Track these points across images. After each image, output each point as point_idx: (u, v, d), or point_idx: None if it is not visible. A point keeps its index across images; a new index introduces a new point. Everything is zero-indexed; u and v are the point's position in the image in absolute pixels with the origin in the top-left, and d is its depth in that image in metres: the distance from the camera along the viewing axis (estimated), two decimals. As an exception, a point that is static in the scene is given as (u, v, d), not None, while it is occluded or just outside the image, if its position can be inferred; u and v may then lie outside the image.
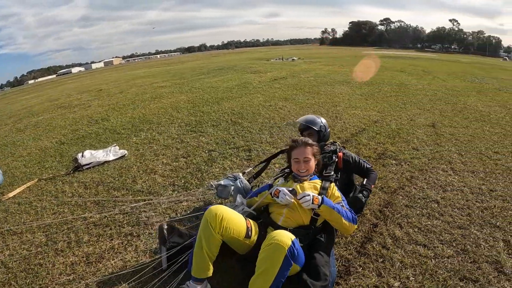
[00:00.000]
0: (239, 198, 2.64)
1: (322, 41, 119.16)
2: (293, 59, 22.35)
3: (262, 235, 2.14)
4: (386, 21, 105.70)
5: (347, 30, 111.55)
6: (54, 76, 65.29)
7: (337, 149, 3.01)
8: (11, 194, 3.98)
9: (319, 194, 2.31)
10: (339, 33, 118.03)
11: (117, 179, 4.13)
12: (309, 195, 2.15)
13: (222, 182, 3.11)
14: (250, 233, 2.10)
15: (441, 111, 6.69)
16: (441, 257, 2.35)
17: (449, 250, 2.42)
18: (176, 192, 3.63)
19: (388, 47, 71.60)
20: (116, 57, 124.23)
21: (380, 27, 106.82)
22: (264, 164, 3.55)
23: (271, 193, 2.38)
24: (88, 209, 3.40)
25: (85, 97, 11.90)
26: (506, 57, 60.99)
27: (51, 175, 4.49)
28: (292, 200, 2.25)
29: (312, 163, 2.49)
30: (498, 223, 2.75)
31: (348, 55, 28.89)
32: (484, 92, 9.10)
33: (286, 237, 1.82)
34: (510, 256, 2.35)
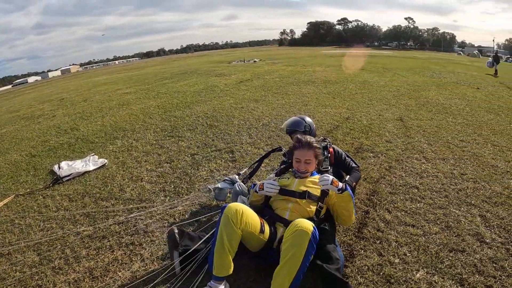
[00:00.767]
0: (240, 199, 2.73)
1: (281, 42, 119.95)
2: (254, 61, 22.62)
3: (271, 231, 2.26)
4: (344, 21, 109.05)
5: (305, 31, 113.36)
6: (10, 86, 61.27)
7: (327, 145, 3.18)
8: (-13, 214, 3.69)
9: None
10: (298, 34, 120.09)
11: (103, 189, 4.01)
12: (328, 176, 2.31)
13: (219, 185, 3.19)
14: (263, 228, 2.20)
15: (406, 105, 7.14)
16: (429, 234, 2.62)
17: (435, 228, 2.69)
18: (168, 197, 3.61)
19: (346, 46, 73.79)
20: (73, 64, 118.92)
21: (338, 26, 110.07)
22: (256, 164, 3.67)
23: (256, 191, 2.50)
24: (79, 222, 3.25)
25: (48, 107, 11.36)
26: (461, 52, 65.15)
27: (28, 190, 4.26)
28: (278, 188, 2.42)
29: (313, 164, 2.61)
30: (472, 202, 3.09)
31: (307, 54, 29.68)
32: (443, 86, 9.81)
33: (308, 223, 1.96)
34: (488, 228, 2.68)
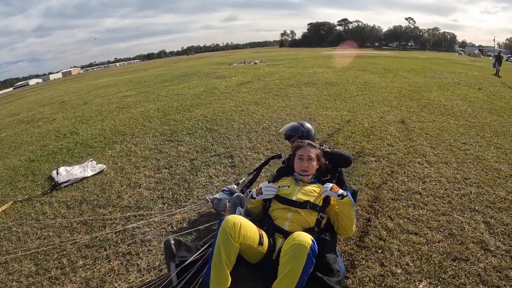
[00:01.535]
0: (238, 211, 2.68)
1: (281, 43, 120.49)
2: (255, 63, 22.54)
3: (270, 243, 2.20)
4: (344, 21, 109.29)
5: (306, 32, 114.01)
6: (11, 89, 61.21)
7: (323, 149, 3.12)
8: (-15, 221, 3.65)
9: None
10: (298, 35, 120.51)
11: (100, 195, 3.95)
12: (328, 184, 2.34)
13: (217, 196, 3.14)
14: (262, 240, 2.15)
15: (408, 107, 7.08)
16: (432, 242, 2.56)
17: (438, 236, 2.64)
18: (166, 205, 3.55)
19: (347, 46, 73.80)
20: (74, 66, 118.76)
21: (338, 27, 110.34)
22: (255, 172, 3.61)
23: (252, 197, 2.48)
24: (76, 231, 3.18)
25: (48, 110, 11.31)
26: (461, 52, 65.06)
27: (26, 196, 4.19)
28: (276, 188, 2.43)
29: (314, 163, 2.59)
30: (476, 207, 3.03)
31: (308, 56, 29.63)
32: (445, 87, 9.75)
33: (306, 237, 1.91)
34: (492, 235, 2.62)
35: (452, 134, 5.14)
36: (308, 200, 2.36)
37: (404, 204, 3.16)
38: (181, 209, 3.42)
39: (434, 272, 2.25)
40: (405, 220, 2.88)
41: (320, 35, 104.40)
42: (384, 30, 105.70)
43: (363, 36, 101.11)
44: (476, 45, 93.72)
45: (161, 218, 3.26)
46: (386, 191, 3.43)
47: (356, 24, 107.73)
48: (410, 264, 2.34)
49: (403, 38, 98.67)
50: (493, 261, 2.33)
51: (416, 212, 3.00)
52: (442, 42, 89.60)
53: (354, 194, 2.88)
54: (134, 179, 4.29)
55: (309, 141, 2.69)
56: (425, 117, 6.20)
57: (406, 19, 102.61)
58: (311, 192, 2.45)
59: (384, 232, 2.72)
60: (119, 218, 3.36)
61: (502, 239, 2.56)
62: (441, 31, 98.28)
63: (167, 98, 9.91)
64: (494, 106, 7.12)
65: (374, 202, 3.22)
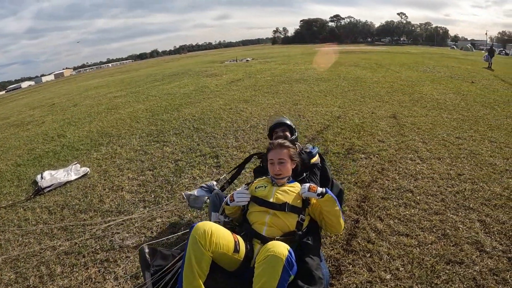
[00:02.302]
0: (214, 217, 2.52)
1: (274, 41, 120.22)
2: (247, 60, 22.44)
3: (248, 249, 2.04)
4: (336, 17, 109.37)
5: (298, 29, 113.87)
6: (3, 92, 60.64)
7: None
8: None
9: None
10: (291, 32, 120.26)
11: (82, 200, 3.84)
12: (305, 184, 2.20)
13: (195, 193, 2.96)
14: (238, 247, 1.98)
15: (400, 102, 6.95)
16: (424, 244, 2.41)
17: (431, 237, 2.49)
18: (147, 208, 3.42)
19: (339, 43, 73.79)
20: (66, 68, 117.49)
21: (330, 23, 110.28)
22: (237, 170, 3.44)
23: (226, 203, 2.33)
24: (56, 237, 3.11)
25: (38, 112, 11.14)
26: (454, 46, 65.29)
27: (10, 202, 4.09)
28: (249, 196, 2.27)
29: (288, 165, 2.36)
30: (471, 205, 2.88)
31: (301, 52, 29.40)
32: (437, 81, 9.65)
33: (282, 247, 1.74)
34: (488, 235, 2.48)
35: (445, 129, 5.01)
36: (286, 202, 2.18)
37: (394, 203, 3.01)
38: (160, 211, 3.31)
39: (426, 277, 2.10)
40: (396, 221, 2.73)
41: (313, 32, 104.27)
42: (376, 26, 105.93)
43: (356, 32, 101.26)
44: (469, 39, 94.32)
45: (141, 222, 3.16)
46: (376, 190, 3.28)
47: (348, 20, 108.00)
48: (401, 268, 2.19)
49: (396, 33, 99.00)
50: (489, 263, 2.18)
51: (407, 212, 2.85)
52: (435, 36, 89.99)
53: (340, 193, 2.69)
54: (117, 182, 4.19)
55: (279, 141, 2.44)
56: (417, 112, 6.07)
57: (398, 14, 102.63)
58: (289, 192, 2.27)
59: (373, 234, 2.57)
60: (99, 223, 3.27)
61: (498, 239, 2.42)
62: (433, 25, 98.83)
63: (157, 97, 9.77)
64: (487, 99, 7.02)
65: (363, 202, 3.07)
